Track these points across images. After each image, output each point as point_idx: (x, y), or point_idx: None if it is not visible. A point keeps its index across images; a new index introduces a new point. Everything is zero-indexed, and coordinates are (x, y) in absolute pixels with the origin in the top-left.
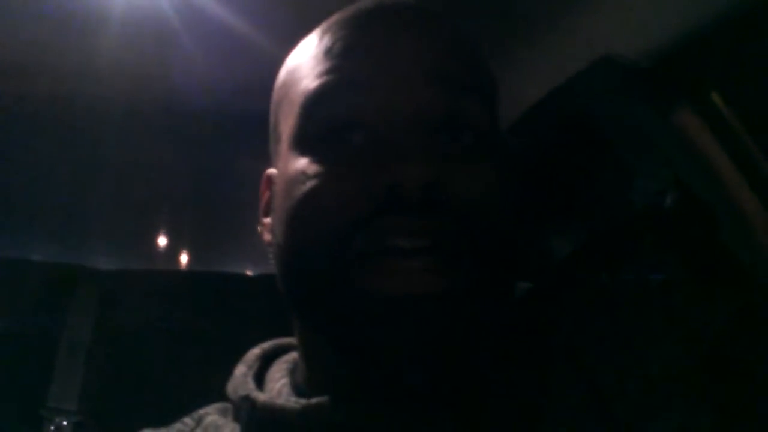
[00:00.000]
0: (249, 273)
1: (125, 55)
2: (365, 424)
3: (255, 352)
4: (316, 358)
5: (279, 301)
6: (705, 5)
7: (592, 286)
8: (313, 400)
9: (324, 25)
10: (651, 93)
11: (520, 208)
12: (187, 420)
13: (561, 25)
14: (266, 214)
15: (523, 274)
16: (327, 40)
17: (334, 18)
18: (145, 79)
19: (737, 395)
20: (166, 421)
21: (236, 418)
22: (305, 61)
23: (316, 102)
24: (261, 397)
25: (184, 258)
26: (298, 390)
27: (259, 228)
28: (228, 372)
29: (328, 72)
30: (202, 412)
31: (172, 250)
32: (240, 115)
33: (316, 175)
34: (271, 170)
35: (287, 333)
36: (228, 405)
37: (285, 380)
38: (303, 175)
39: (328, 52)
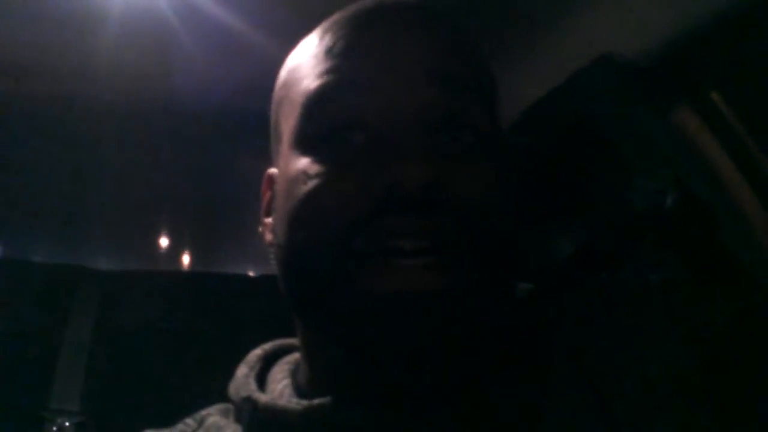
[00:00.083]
0: (250, 273)
1: (125, 55)
2: (367, 425)
3: (256, 352)
4: (318, 358)
5: (280, 302)
6: (704, 5)
7: (592, 286)
8: (315, 401)
9: (325, 25)
10: (650, 92)
11: (521, 208)
12: (189, 421)
13: (561, 25)
14: (267, 214)
15: (523, 274)
16: (328, 40)
17: (335, 17)
18: (145, 79)
19: (737, 395)
20: (168, 422)
21: (238, 419)
22: (306, 61)
23: (317, 102)
24: (263, 398)
25: (184, 259)
26: (299, 391)
27: (260, 228)
28: (229, 373)
29: (328, 72)
30: (203, 413)
31: (173, 251)
32: (240, 115)
33: (317, 175)
34: (272, 170)
35: (289, 334)
36: (229, 406)
37: (287, 381)
38: (304, 175)
39: (329, 52)
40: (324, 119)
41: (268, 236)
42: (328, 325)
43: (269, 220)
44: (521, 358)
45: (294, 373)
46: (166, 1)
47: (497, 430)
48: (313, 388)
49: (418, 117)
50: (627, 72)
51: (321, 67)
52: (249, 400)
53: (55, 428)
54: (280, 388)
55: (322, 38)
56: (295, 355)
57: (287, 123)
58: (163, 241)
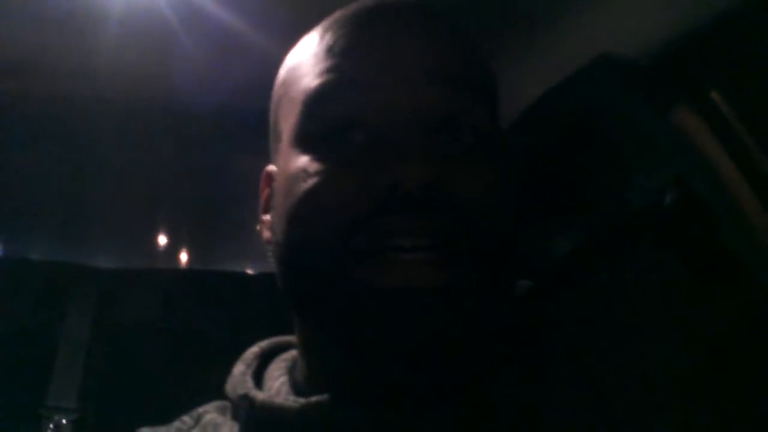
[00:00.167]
0: (248, 271)
1: (124, 55)
2: (364, 424)
3: (253, 350)
4: (316, 356)
5: (278, 300)
6: (704, 4)
7: (592, 286)
8: (312, 399)
9: (325, 23)
10: (650, 91)
11: (520, 208)
12: (186, 418)
13: (560, 24)
14: (265, 212)
15: (523, 272)
16: (328, 39)
17: (335, 16)
18: (145, 78)
19: (737, 395)
20: (166, 419)
21: (235, 417)
22: (306, 59)
23: (317, 100)
24: (260, 395)
25: (183, 256)
26: (297, 389)
27: (258, 226)
28: (227, 370)
29: (329, 71)
30: (200, 410)
31: (172, 249)
32: (239, 114)
33: (316, 174)
34: (271, 167)
35: (287, 331)
36: (227, 403)
37: (284, 379)
38: (304, 173)
39: (329, 51)
40: (324, 118)
41: (267, 234)
42: (326, 323)
43: (267, 217)
44: (521, 357)
45: (291, 371)
46: (166, 1)
47: (496, 429)
48: (310, 386)
49: (419, 116)
50: (627, 71)
51: (321, 65)
52: (246, 398)
53: (52, 426)
54: (277, 386)
55: (322, 37)
56: (293, 353)
57: (287, 121)
58: (162, 239)
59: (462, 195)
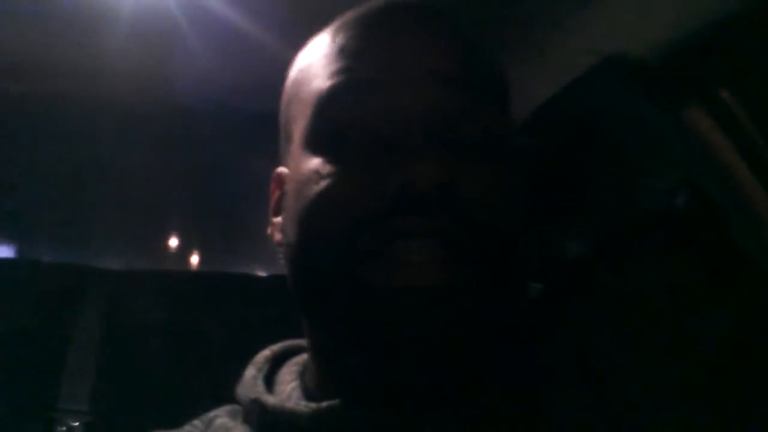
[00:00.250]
0: (259, 274)
1: (132, 55)
2: (375, 428)
3: (265, 354)
4: (326, 360)
5: (289, 303)
6: (712, 3)
7: (600, 287)
8: (324, 404)
9: (336, 24)
10: (660, 91)
11: (529, 209)
12: (197, 422)
13: (568, 24)
14: (276, 214)
15: (531, 274)
16: (339, 40)
17: (346, 17)
18: (152, 79)
19: (742, 397)
20: (176, 422)
21: (246, 421)
22: (317, 60)
23: (328, 102)
24: (271, 400)
25: (192, 258)
26: (308, 393)
27: (269, 228)
28: (238, 374)
29: (340, 72)
30: (211, 414)
31: (181, 251)
32: (247, 115)
33: (329, 175)
34: (281, 169)
35: (298, 334)
36: (238, 407)
37: (295, 383)
38: (316, 175)
39: (341, 52)
40: (336, 119)
41: (277, 236)
42: (335, 323)
43: (278, 219)
44: (525, 357)
45: (302, 375)
46: (174, 1)
47: (500, 430)
48: (321, 390)
49: (430, 117)
50: (635, 71)
51: (333, 67)
52: (257, 402)
53: (64, 428)
54: (288, 390)
55: (333, 38)
56: (304, 357)
57: (298, 122)
58: (171, 241)
59: (472, 196)
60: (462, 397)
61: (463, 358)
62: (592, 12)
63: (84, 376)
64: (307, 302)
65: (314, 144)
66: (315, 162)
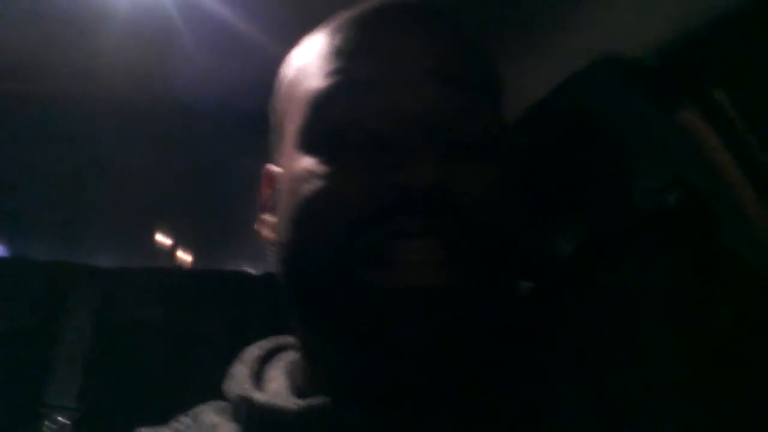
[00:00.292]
0: (250, 271)
1: (127, 54)
2: (364, 425)
3: (253, 350)
4: (317, 357)
5: (280, 300)
6: (707, 3)
7: (594, 286)
8: (312, 401)
9: (332, 24)
10: (654, 91)
11: (524, 208)
12: (183, 418)
13: (563, 23)
14: (265, 211)
15: (525, 273)
16: (335, 40)
17: (342, 17)
18: (146, 78)
19: (738, 396)
20: (165, 419)
21: (235, 418)
22: (312, 60)
23: (324, 101)
24: (259, 397)
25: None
26: (297, 390)
27: (256, 225)
28: (227, 370)
29: (336, 72)
30: (197, 410)
31: (173, 248)
32: (240, 114)
33: (323, 176)
34: (272, 167)
35: (288, 331)
36: (225, 404)
37: (283, 380)
38: (310, 175)
39: (336, 53)
40: (331, 119)
41: (267, 233)
42: (330, 323)
43: (268, 216)
44: (522, 357)
45: (291, 372)
46: (171, 0)
47: (497, 429)
48: (310, 387)
49: (426, 118)
50: (630, 71)
51: (328, 67)
52: (245, 399)
53: (52, 424)
54: (276, 387)
55: (329, 38)
56: (293, 354)
57: (292, 121)
58: (163, 239)
59: (468, 196)
60: (459, 397)
61: (461, 359)
62: (589, 12)
63: (73, 373)
64: (303, 302)
65: (309, 143)
66: (310, 162)
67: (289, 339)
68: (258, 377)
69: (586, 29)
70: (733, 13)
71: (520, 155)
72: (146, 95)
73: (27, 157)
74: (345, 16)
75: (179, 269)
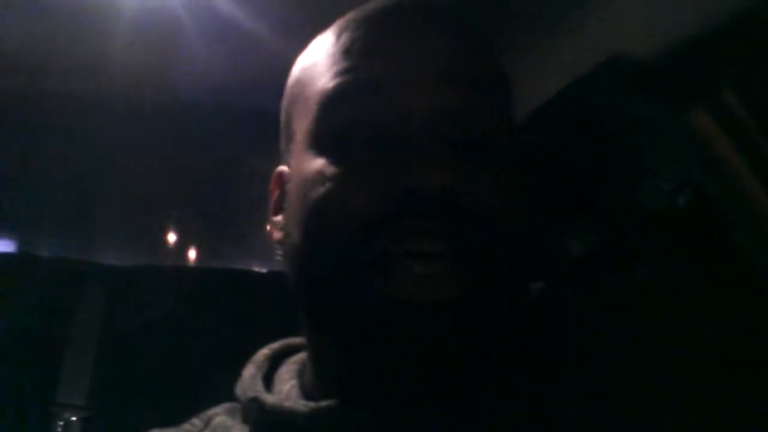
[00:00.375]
0: (259, 270)
1: (133, 52)
2: (373, 428)
3: (264, 352)
4: (324, 360)
5: (288, 299)
6: (716, 3)
7: (603, 288)
8: (322, 403)
9: (341, 24)
10: (663, 92)
11: (535, 210)
12: (196, 421)
13: (571, 23)
14: (276, 212)
15: (534, 274)
16: (344, 39)
17: (351, 16)
18: (153, 76)
19: (745, 400)
20: (175, 418)
21: (245, 420)
22: (322, 60)
23: (333, 102)
24: (269, 399)
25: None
26: (306, 392)
27: (268, 226)
28: (237, 370)
29: (345, 72)
30: (210, 412)
31: (181, 247)
32: (249, 112)
33: (333, 177)
34: (282, 168)
35: (297, 332)
36: (237, 405)
37: (294, 382)
38: (320, 176)
39: (346, 52)
40: (340, 119)
41: (277, 234)
42: (337, 327)
43: (279, 218)
44: (528, 358)
45: (301, 374)
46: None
47: (503, 431)
48: (319, 390)
49: (436, 119)
50: (638, 72)
51: (338, 66)
52: (256, 401)
53: (62, 423)
54: (287, 389)
55: (338, 37)
56: (302, 355)
57: (301, 121)
58: (172, 237)
59: (479, 198)
60: (466, 398)
61: (464, 369)
62: (596, 12)
63: (82, 372)
64: (310, 305)
65: (318, 144)
66: (319, 162)
67: (300, 340)
68: (269, 379)
69: (594, 30)
70: (742, 12)
71: (529, 156)
72: (155, 93)
73: (34, 154)
74: (353, 15)
75: (187, 267)
